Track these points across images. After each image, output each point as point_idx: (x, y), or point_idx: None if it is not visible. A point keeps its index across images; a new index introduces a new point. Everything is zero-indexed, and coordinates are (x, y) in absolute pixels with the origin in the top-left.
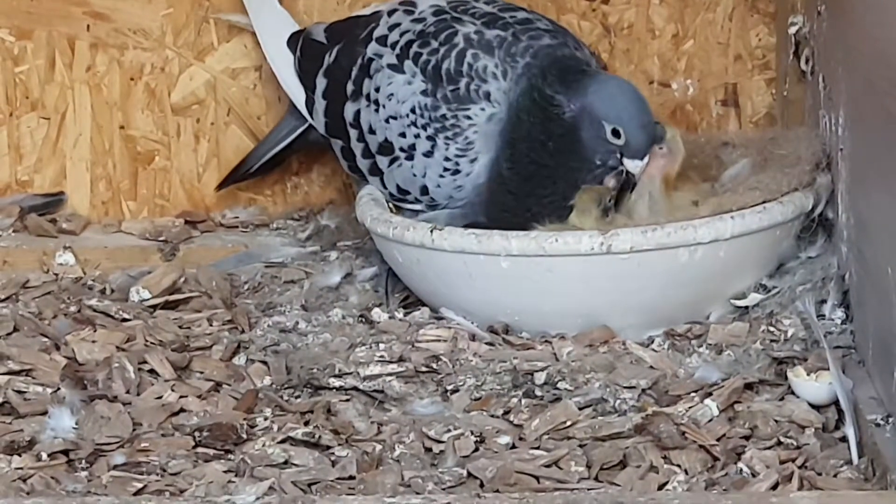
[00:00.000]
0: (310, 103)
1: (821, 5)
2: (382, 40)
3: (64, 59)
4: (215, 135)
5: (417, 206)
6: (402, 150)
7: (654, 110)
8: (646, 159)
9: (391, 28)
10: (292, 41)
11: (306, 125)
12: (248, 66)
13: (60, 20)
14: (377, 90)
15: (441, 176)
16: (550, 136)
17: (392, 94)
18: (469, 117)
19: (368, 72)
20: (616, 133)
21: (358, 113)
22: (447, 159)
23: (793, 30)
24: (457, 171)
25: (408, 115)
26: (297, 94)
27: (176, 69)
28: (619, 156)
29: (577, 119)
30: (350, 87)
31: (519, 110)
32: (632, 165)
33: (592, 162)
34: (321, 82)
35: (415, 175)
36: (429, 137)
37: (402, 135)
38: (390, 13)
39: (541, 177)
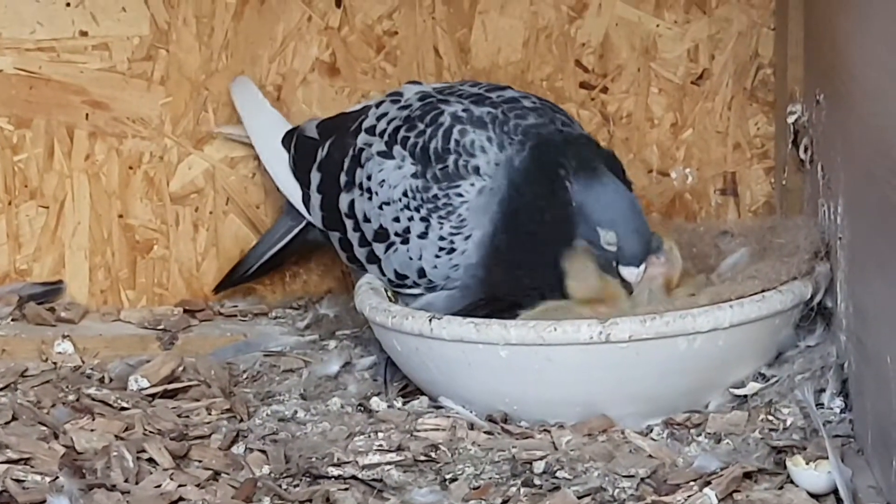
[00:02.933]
0: (306, 199)
1: (819, 94)
2: (371, 130)
3: (63, 148)
4: (214, 224)
5: (416, 290)
6: (397, 234)
7: (652, 199)
8: (642, 267)
9: (379, 118)
10: (286, 140)
11: (302, 224)
12: (246, 155)
13: (59, 109)
14: (369, 178)
15: (437, 256)
16: (550, 207)
17: (384, 181)
18: (460, 195)
19: (360, 161)
20: (611, 239)
21: (352, 203)
22: (441, 238)
23: (791, 119)
24: (452, 250)
25: (400, 199)
26: (294, 192)
27: (175, 158)
28: (614, 263)
29: (576, 217)
30: (343, 178)
31: (522, 181)
32: (627, 273)
33: None
34: (315, 177)
35: (411, 258)
36: (422, 219)
37: (396, 219)
38: (378, 105)
39: (534, 244)
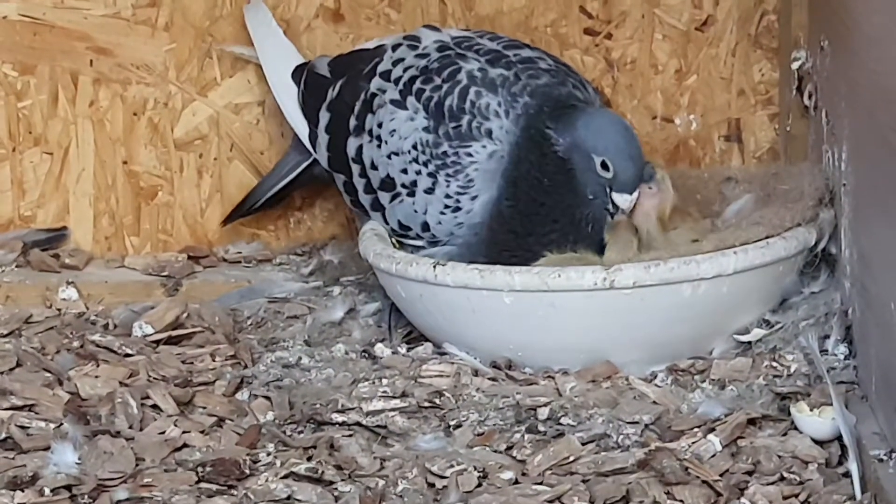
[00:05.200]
0: (313, 137)
1: (823, 41)
2: (386, 75)
3: (67, 95)
4: (218, 170)
5: (419, 243)
6: (403, 186)
7: (656, 146)
8: (635, 194)
9: (395, 63)
10: (296, 74)
11: (310, 160)
12: (251, 102)
13: (63, 55)
14: (380, 126)
15: (442, 213)
16: (545, 172)
17: (394, 130)
18: (470, 154)
19: (371, 107)
20: (605, 166)
21: (360, 148)
22: (448, 196)
23: (796, 65)
24: (458, 209)
25: (409, 152)
26: (301, 128)
27: (179, 104)
28: (608, 189)
29: (569, 153)
30: (353, 122)
31: (520, 149)
32: (620, 199)
33: (585, 196)
34: (324, 116)
35: (416, 211)
36: (430, 174)
37: (404, 171)
38: (394, 48)
39: (540, 215)
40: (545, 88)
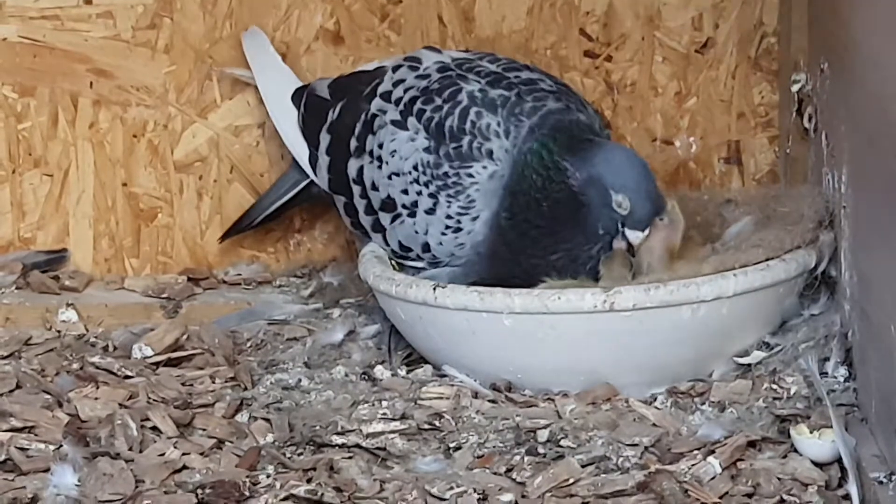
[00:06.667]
0: (313, 159)
1: (823, 63)
2: (386, 96)
3: (67, 116)
4: (218, 192)
5: (419, 264)
6: (404, 207)
7: (656, 168)
8: (647, 231)
9: (395, 84)
10: (296, 97)
11: (308, 179)
12: (250, 124)
13: (63, 77)
14: (380, 146)
15: (443, 233)
16: (548, 197)
17: (395, 151)
18: (471, 175)
19: (372, 128)
20: (621, 202)
21: (361, 169)
22: (449, 217)
23: (795, 88)
24: (458, 229)
25: (410, 173)
26: (301, 151)
27: (179, 126)
28: (620, 225)
29: (583, 186)
30: (353, 144)
31: (525, 167)
32: (633, 236)
33: (595, 229)
34: (325, 138)
35: (417, 232)
36: (431, 195)
37: (405, 192)
38: (395, 69)
39: (533, 236)
40: (557, 115)
